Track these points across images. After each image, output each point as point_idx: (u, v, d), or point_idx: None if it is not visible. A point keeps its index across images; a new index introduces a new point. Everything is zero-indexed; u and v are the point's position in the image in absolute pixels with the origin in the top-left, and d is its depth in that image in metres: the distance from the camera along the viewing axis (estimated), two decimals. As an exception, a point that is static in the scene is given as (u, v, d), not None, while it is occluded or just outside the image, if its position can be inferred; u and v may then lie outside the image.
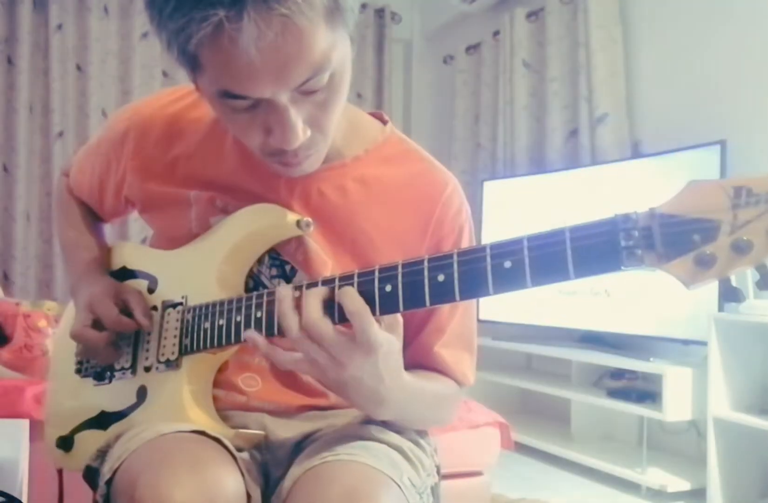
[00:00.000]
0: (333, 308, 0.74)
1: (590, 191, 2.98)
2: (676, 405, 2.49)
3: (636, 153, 3.01)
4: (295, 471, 0.82)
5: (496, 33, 3.73)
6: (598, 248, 0.62)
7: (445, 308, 0.93)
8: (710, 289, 2.47)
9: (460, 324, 0.95)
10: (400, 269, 0.72)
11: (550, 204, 3.17)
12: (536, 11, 3.49)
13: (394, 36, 4.33)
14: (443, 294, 0.70)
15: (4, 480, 1.11)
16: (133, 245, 1.07)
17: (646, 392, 2.68)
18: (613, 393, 2.77)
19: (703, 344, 2.43)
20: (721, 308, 2.44)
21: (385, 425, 0.90)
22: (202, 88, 0.78)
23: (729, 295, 0.59)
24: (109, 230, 1.15)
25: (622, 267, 0.61)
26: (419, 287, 0.71)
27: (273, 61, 0.70)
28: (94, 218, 1.11)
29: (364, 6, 4.24)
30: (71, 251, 1.08)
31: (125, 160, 0.98)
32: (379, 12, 4.29)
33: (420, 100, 4.47)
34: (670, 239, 0.59)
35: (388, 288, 0.72)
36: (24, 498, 1.13)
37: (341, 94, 0.79)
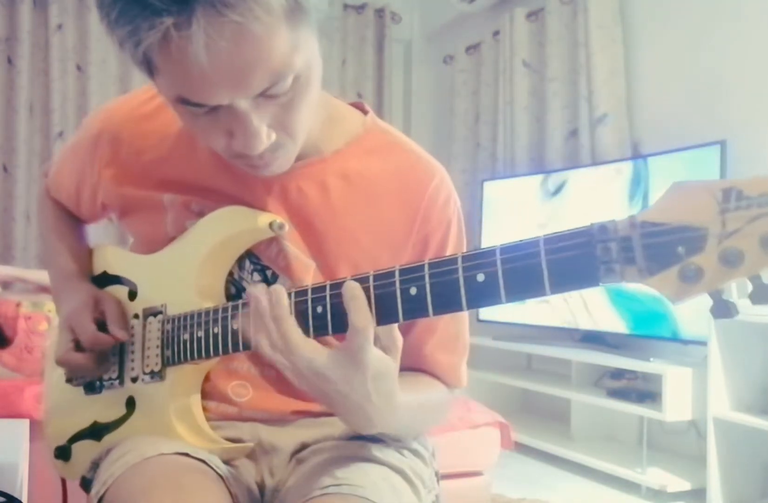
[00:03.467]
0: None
1: (590, 191, 2.99)
2: (676, 405, 2.49)
3: (636, 153, 3.01)
4: (293, 497, 0.80)
5: (496, 33, 3.73)
6: (573, 263, 0.56)
7: None
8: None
9: (452, 323, 0.91)
10: (371, 282, 0.68)
11: (551, 204, 3.17)
12: (536, 11, 3.49)
13: (394, 36, 4.33)
14: (416, 309, 0.66)
15: (4, 480, 1.10)
16: (113, 248, 1.03)
17: (646, 392, 2.68)
18: (613, 393, 2.77)
19: (703, 344, 2.43)
20: (721, 308, 2.44)
21: (384, 441, 0.89)
22: (161, 91, 0.74)
23: (720, 310, 0.53)
24: (109, 230, 1.14)
25: (600, 283, 0.56)
26: (392, 300, 0.66)
27: (227, 69, 0.65)
28: (74, 220, 1.08)
29: (363, 6, 4.24)
30: (51, 257, 1.05)
31: (99, 165, 0.95)
32: (379, 12, 4.29)
33: (420, 100, 4.47)
34: (652, 251, 0.53)
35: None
36: (24, 499, 1.13)
37: (309, 94, 0.74)
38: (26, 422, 1.43)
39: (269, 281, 0.89)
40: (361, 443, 0.88)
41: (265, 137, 0.72)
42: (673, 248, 0.53)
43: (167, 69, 0.67)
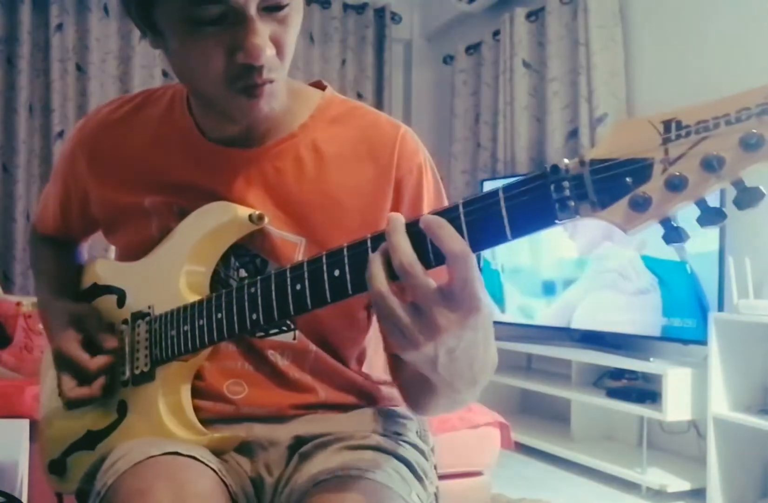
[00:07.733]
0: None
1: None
2: (676, 405, 2.49)
3: (636, 153, 3.01)
4: (303, 484, 0.81)
5: (496, 33, 3.73)
6: (530, 205, 0.58)
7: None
8: (711, 289, 2.47)
9: None
10: (345, 252, 0.68)
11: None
12: (536, 11, 3.49)
13: (394, 36, 4.33)
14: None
15: (4, 480, 1.11)
16: (103, 260, 1.05)
17: (646, 392, 2.69)
18: (613, 393, 2.77)
19: (703, 344, 2.43)
20: (721, 308, 2.45)
21: (387, 435, 0.90)
22: (166, 13, 0.77)
23: (670, 236, 0.54)
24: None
25: (557, 221, 0.57)
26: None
27: None
28: (61, 247, 1.10)
29: (364, 6, 4.25)
30: (36, 282, 1.08)
31: (82, 178, 0.98)
32: (379, 12, 4.29)
33: (420, 100, 4.47)
34: (602, 185, 0.55)
35: (337, 273, 0.68)
36: (24, 498, 1.13)
37: (298, 19, 0.80)
38: (26, 422, 1.43)
39: (259, 269, 0.90)
40: (365, 434, 0.89)
41: (267, 45, 0.76)
42: (621, 179, 0.55)
43: None
